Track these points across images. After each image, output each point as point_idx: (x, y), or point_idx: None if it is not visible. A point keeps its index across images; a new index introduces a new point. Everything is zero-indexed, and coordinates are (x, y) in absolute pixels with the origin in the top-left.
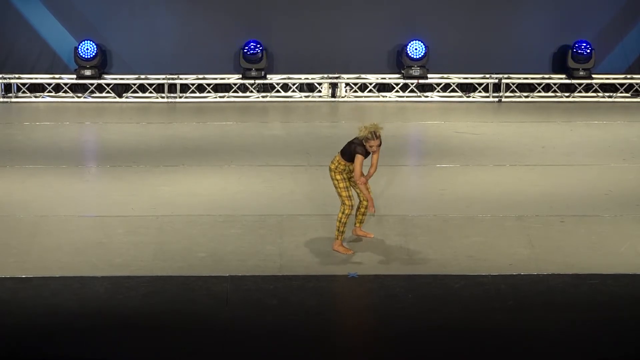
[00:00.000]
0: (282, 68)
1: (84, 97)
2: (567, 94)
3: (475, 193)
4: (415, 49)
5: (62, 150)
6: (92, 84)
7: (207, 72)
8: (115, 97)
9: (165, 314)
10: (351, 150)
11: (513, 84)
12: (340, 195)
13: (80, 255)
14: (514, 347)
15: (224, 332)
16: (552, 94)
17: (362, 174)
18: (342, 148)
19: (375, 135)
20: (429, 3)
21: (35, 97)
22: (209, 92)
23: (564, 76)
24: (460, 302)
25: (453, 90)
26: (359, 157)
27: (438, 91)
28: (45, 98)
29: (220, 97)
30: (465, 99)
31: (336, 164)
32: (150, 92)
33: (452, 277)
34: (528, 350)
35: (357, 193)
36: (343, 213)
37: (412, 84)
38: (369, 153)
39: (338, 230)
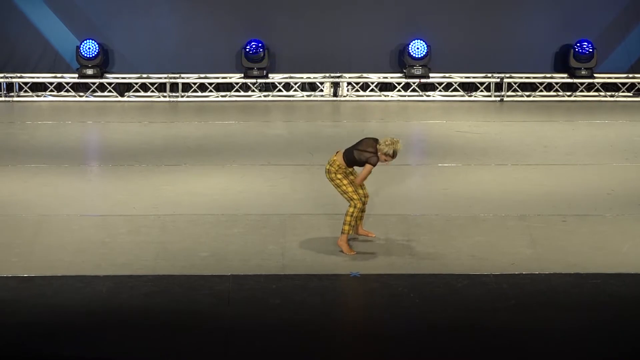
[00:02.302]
0: (284, 67)
1: (86, 97)
2: (569, 94)
3: (477, 192)
4: (417, 48)
5: (64, 149)
6: (94, 83)
7: (209, 71)
8: (117, 96)
9: (168, 314)
10: (364, 159)
11: (515, 83)
12: (346, 193)
13: (82, 254)
14: (516, 346)
15: (226, 331)
16: (554, 94)
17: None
18: (345, 151)
19: (396, 154)
20: (430, 2)
21: (38, 96)
22: (210, 91)
23: (566, 75)
24: (462, 302)
25: (455, 90)
26: (370, 167)
27: (440, 90)
28: (48, 97)
29: (222, 96)
30: (467, 98)
31: (336, 167)
32: (152, 91)
33: (455, 277)
34: (530, 350)
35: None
36: (355, 207)
37: (414, 83)
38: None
39: (348, 224)
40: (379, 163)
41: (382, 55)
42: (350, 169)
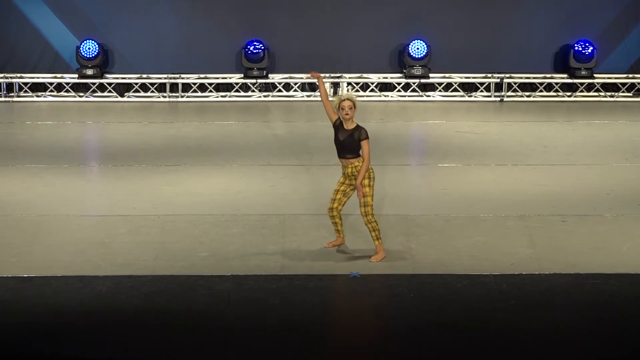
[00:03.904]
0: (283, 67)
1: (86, 97)
2: (569, 94)
3: (477, 193)
4: (417, 49)
5: (64, 149)
6: (93, 84)
7: (209, 72)
8: (117, 97)
9: (167, 314)
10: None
11: (515, 83)
12: None
13: (82, 254)
14: (516, 346)
15: (226, 331)
16: (554, 94)
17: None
18: None
19: (342, 98)
20: (430, 2)
21: (37, 96)
22: (210, 91)
23: (565, 76)
24: (462, 302)
25: (455, 90)
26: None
27: (440, 91)
28: (47, 97)
29: (222, 96)
30: (467, 98)
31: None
32: (152, 92)
33: (454, 277)
34: (530, 350)
35: (361, 213)
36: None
37: (414, 83)
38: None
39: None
40: (345, 116)
41: (382, 55)
42: (350, 168)
